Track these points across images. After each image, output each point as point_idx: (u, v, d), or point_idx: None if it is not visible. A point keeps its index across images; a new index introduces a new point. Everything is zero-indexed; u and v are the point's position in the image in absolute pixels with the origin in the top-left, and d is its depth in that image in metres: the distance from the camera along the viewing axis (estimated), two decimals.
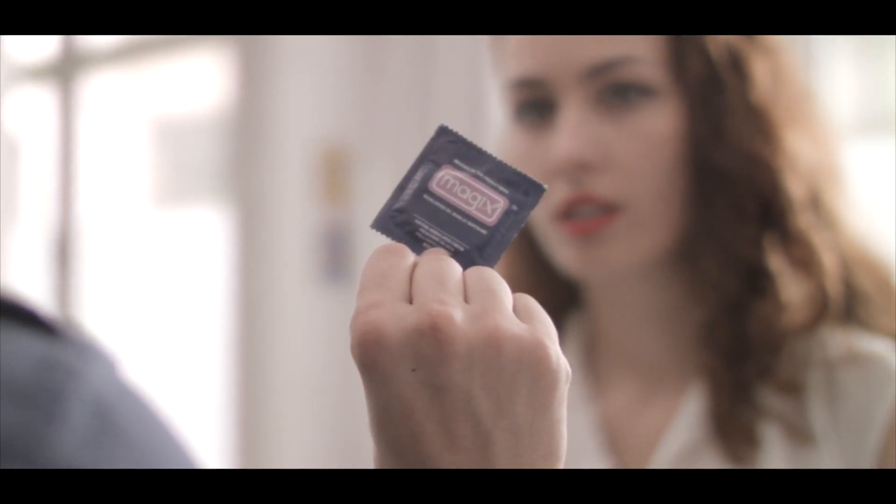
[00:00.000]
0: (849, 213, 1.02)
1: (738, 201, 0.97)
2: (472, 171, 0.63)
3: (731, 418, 0.97)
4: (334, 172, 2.72)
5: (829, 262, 0.98)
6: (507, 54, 1.01)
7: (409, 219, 0.62)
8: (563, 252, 0.99)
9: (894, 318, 1.01)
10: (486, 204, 0.62)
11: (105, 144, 3.55)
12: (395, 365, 0.56)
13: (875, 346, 0.98)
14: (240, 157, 2.80)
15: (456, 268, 0.59)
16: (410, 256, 0.60)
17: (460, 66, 2.41)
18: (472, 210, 0.62)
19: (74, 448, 0.44)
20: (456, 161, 0.63)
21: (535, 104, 0.99)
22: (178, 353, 3.45)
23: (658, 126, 0.96)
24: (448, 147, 0.64)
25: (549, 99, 0.98)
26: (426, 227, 0.62)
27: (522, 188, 0.63)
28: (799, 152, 0.98)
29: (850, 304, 1.00)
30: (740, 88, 0.97)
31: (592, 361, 1.07)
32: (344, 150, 2.72)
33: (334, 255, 2.72)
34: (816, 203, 0.99)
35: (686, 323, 1.01)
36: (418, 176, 0.63)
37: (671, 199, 0.97)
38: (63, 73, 3.46)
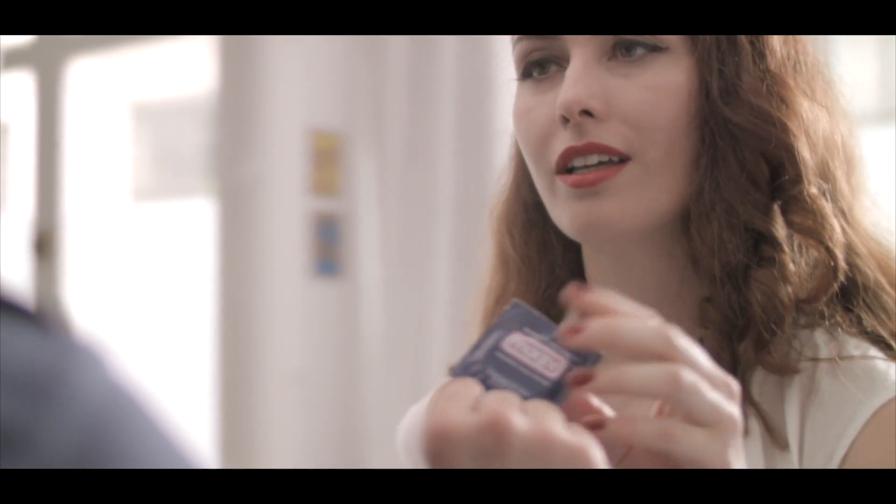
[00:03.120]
0: (859, 200, 0.98)
1: (749, 161, 0.93)
2: (540, 336, 0.74)
3: None
4: (325, 162, 2.69)
5: (838, 232, 0.94)
6: None
7: (481, 369, 0.73)
8: (563, 208, 0.95)
9: None
10: (549, 363, 0.73)
11: (87, 131, 3.50)
12: (457, 456, 0.67)
13: (869, 352, 0.92)
14: (228, 146, 2.76)
15: (517, 396, 0.71)
16: (479, 388, 0.71)
17: (454, 54, 2.39)
18: (536, 367, 0.73)
19: (66, 445, 0.44)
20: (525, 329, 0.75)
21: (545, 60, 0.97)
22: (166, 346, 3.42)
23: (668, 79, 0.93)
24: (519, 317, 0.75)
25: (558, 55, 0.96)
26: (496, 376, 0.73)
27: (582, 354, 0.74)
28: (813, 121, 0.95)
29: (853, 296, 0.95)
30: (755, 53, 0.95)
31: None
32: (335, 139, 2.69)
33: (325, 246, 2.70)
34: (826, 180, 0.95)
35: (687, 299, 0.97)
36: (491, 338, 0.74)
37: (679, 156, 0.94)
38: (42, 58, 3.39)
